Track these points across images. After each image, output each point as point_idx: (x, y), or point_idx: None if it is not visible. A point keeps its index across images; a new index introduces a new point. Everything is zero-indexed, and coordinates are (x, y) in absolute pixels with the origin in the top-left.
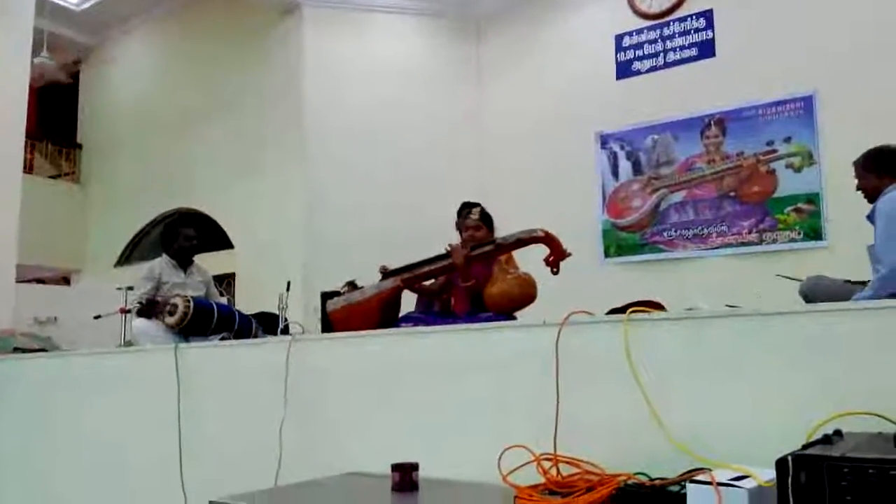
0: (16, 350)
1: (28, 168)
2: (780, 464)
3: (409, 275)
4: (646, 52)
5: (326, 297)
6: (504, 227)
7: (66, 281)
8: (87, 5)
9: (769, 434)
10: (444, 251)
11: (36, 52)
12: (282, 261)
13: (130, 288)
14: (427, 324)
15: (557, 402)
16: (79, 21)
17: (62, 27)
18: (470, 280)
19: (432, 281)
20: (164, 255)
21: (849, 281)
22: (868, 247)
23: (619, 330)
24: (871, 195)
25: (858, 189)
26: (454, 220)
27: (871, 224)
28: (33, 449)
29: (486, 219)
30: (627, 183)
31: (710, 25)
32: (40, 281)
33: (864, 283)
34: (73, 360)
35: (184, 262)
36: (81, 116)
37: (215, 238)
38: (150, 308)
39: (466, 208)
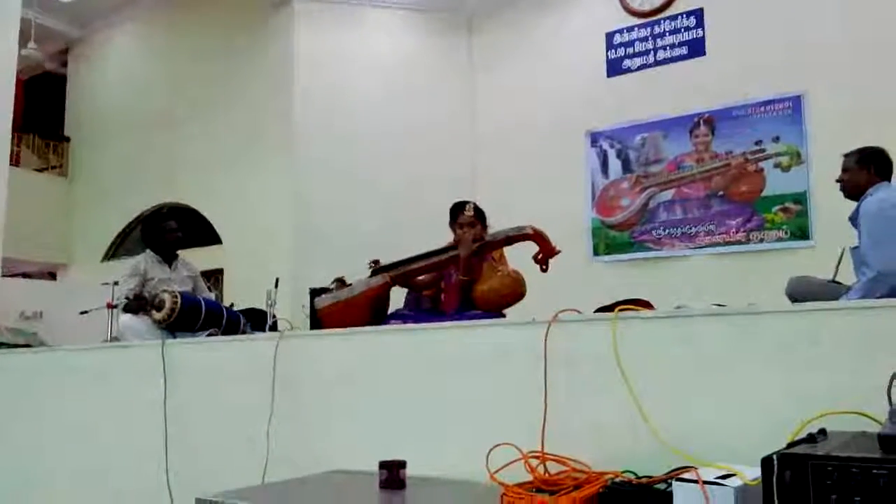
0: (1, 345)
1: (14, 160)
2: (766, 462)
3: (398, 271)
4: (636, 50)
5: (315, 293)
6: (493, 224)
7: (52, 275)
8: None
9: (755, 432)
10: (435, 248)
11: (23, 43)
12: (270, 257)
13: (117, 283)
14: (416, 321)
15: (545, 399)
16: (67, 12)
17: (50, 18)
18: (470, 274)
19: (422, 277)
20: (148, 251)
21: (834, 281)
22: (851, 249)
23: (607, 328)
24: (853, 190)
25: (839, 181)
26: (445, 218)
27: (853, 227)
28: (18, 445)
29: (479, 215)
30: (617, 181)
31: (700, 24)
32: (26, 275)
33: (839, 283)
34: (58, 356)
35: (168, 257)
36: (69, 109)
37: (203, 233)
38: (136, 303)
39: (459, 206)
